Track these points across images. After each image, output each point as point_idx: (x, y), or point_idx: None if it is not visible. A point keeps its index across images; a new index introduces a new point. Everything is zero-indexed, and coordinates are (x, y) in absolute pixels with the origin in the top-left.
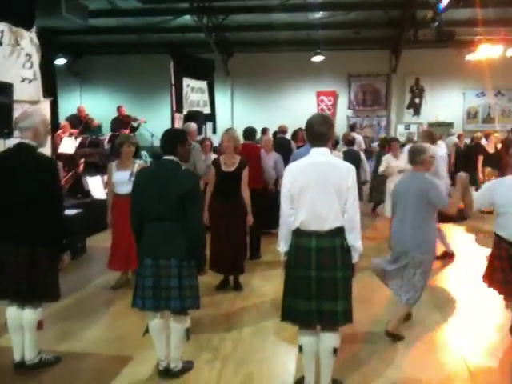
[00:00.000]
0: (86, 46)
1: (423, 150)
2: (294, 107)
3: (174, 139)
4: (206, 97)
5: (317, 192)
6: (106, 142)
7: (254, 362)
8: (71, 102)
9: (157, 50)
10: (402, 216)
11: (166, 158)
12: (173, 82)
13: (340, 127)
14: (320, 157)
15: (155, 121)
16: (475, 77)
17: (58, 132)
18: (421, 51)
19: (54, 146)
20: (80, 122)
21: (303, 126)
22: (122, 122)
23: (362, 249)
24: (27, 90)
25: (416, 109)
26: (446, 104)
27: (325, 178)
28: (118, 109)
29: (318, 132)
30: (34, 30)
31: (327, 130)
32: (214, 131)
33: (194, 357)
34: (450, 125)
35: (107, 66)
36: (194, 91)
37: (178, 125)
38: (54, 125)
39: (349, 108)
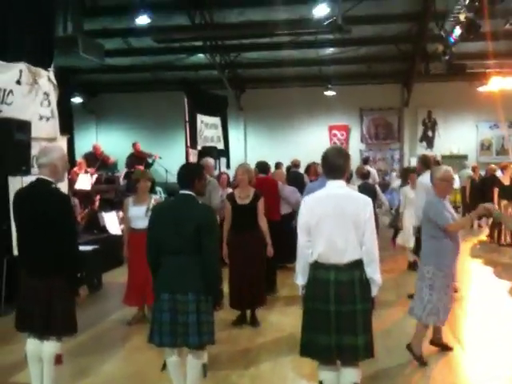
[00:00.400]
0: (102, 84)
1: (434, 172)
2: (307, 141)
3: (191, 173)
4: (219, 132)
5: (334, 224)
6: (121, 178)
7: None
8: (87, 140)
9: (171, 88)
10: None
11: (182, 192)
12: (187, 118)
13: (353, 161)
14: (336, 189)
15: (170, 157)
16: (488, 109)
17: (75, 169)
18: (432, 84)
19: (71, 183)
20: (96, 159)
21: (316, 159)
22: (137, 158)
23: (380, 282)
24: (45, 128)
25: (429, 141)
26: (460, 136)
27: (342, 210)
28: (134, 145)
29: (334, 164)
30: (51, 69)
31: (343, 163)
32: (228, 166)
33: None
34: (464, 157)
35: (122, 104)
36: (208, 127)
37: (193, 160)
38: (71, 162)
39: (361, 142)
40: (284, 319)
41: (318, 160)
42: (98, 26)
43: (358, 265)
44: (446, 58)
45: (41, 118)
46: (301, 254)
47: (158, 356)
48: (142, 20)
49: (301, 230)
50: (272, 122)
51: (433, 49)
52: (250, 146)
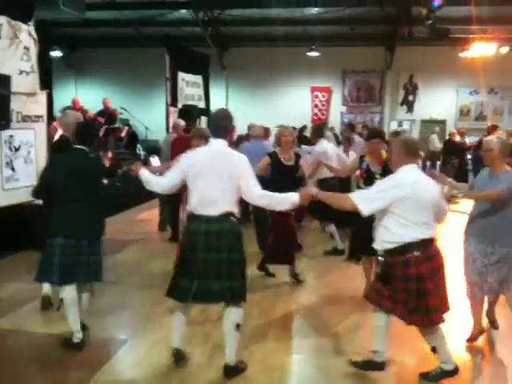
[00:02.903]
0: (82, 38)
1: None
2: (288, 102)
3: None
4: (200, 91)
5: (208, 178)
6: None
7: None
8: (66, 94)
9: (152, 44)
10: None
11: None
12: (168, 75)
13: (334, 123)
14: (217, 147)
15: (150, 114)
16: (469, 74)
17: (54, 123)
18: (415, 48)
19: (50, 137)
20: None
21: (297, 121)
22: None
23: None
24: (25, 83)
25: (409, 106)
26: (439, 101)
27: (217, 166)
28: (103, 101)
29: (219, 125)
30: (32, 23)
31: (228, 124)
32: (209, 125)
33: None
34: (443, 122)
35: (102, 59)
36: (190, 85)
37: (173, 118)
38: (50, 117)
39: (343, 104)
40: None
41: (301, 122)
42: None
43: (228, 217)
44: (430, 21)
45: (21, 72)
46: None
47: None
48: None
49: (173, 171)
50: (254, 82)
51: (417, 12)
52: (231, 106)
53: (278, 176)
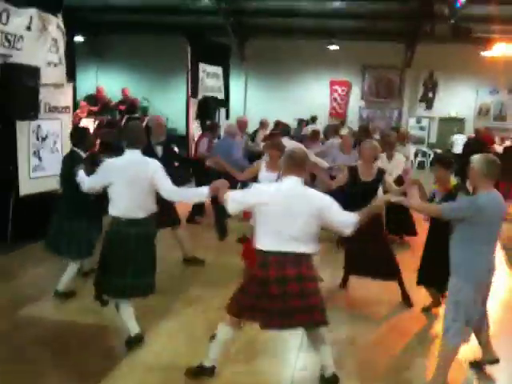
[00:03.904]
0: (104, 24)
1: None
2: (307, 95)
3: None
4: (220, 82)
5: (129, 190)
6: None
7: None
8: (87, 80)
9: (174, 32)
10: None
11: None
12: (189, 66)
13: (352, 118)
14: (133, 156)
15: (170, 104)
16: (489, 74)
17: (77, 111)
18: (436, 46)
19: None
20: (97, 103)
21: (315, 114)
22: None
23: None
24: (53, 74)
25: (428, 103)
26: (459, 100)
27: (136, 176)
28: (123, 90)
29: (137, 137)
30: (60, 15)
31: (142, 136)
32: (227, 117)
33: None
34: (461, 120)
35: (124, 46)
36: (210, 76)
37: (193, 109)
38: (74, 104)
39: (361, 98)
40: None
41: (319, 116)
42: None
43: (140, 222)
44: (452, 21)
45: (49, 64)
46: None
47: None
48: None
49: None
50: (273, 74)
51: (439, 10)
52: (249, 98)
53: (351, 193)
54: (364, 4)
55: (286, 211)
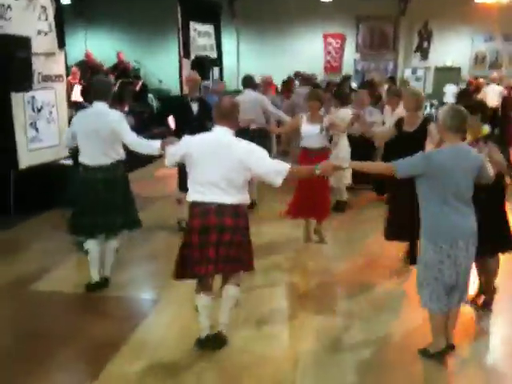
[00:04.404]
0: None
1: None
2: (301, 50)
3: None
4: (212, 41)
5: (88, 139)
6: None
7: None
8: (76, 45)
9: None
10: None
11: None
12: (180, 26)
13: (347, 71)
14: (95, 109)
15: (163, 65)
16: (484, 22)
17: (69, 78)
18: None
19: (68, 95)
20: (89, 68)
21: (311, 68)
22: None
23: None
24: (44, 43)
25: (424, 53)
26: (454, 48)
27: (96, 127)
28: (118, 54)
29: (100, 90)
30: None
31: (107, 89)
32: (221, 76)
33: None
34: (457, 69)
35: (112, 8)
36: (201, 35)
37: (186, 70)
38: (66, 71)
39: (356, 51)
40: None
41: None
42: None
43: (106, 168)
44: None
45: (39, 32)
46: None
47: None
48: None
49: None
50: (265, 30)
51: None
52: (242, 55)
53: (396, 145)
54: None
55: (210, 161)
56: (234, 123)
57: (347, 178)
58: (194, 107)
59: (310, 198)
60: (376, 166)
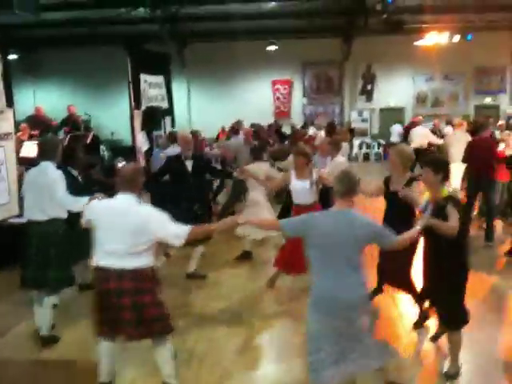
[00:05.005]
0: (38, 40)
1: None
2: (251, 97)
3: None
4: (163, 91)
5: (31, 195)
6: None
7: None
8: (25, 100)
9: (111, 43)
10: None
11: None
12: (130, 79)
13: (296, 114)
14: (42, 167)
15: (114, 117)
16: (424, 62)
17: (18, 134)
18: (372, 39)
19: (17, 151)
20: (38, 123)
21: (260, 115)
22: (73, 121)
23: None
24: None
25: (368, 95)
26: (397, 89)
27: (36, 184)
28: (69, 108)
29: (43, 150)
30: None
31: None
32: (173, 125)
33: None
34: (401, 109)
35: (60, 61)
36: (152, 86)
37: (138, 121)
38: (15, 127)
39: (304, 96)
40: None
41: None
42: None
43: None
44: (384, 15)
45: None
46: None
47: None
48: None
49: None
50: (215, 78)
51: (372, 3)
52: (193, 103)
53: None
54: (298, 4)
55: (109, 228)
56: (137, 188)
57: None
58: (189, 165)
59: (296, 252)
60: (268, 223)
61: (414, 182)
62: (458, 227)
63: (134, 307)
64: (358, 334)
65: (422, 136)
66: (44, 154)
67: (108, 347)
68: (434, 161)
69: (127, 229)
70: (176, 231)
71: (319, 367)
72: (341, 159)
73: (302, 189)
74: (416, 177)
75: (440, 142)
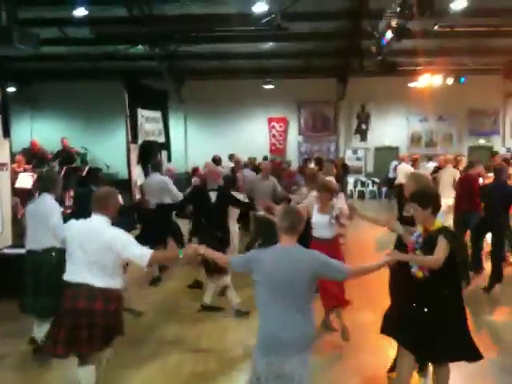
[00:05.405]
0: (36, 73)
1: None
2: (247, 133)
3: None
4: (160, 126)
5: (30, 225)
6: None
7: None
8: (22, 131)
9: (109, 78)
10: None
11: None
12: (127, 113)
13: (291, 152)
14: (41, 199)
15: (110, 150)
16: (418, 103)
17: (13, 165)
18: (366, 79)
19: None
20: (33, 156)
21: (257, 151)
22: (67, 153)
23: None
24: None
25: (363, 134)
26: (391, 129)
27: (34, 215)
28: (62, 141)
29: (42, 184)
30: None
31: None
32: (169, 159)
33: None
34: (395, 148)
35: (58, 94)
36: (149, 121)
37: (134, 154)
38: (11, 159)
39: (299, 134)
40: None
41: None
42: (33, 15)
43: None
44: (379, 57)
45: None
46: None
47: None
48: (79, 12)
49: None
50: (212, 114)
51: (367, 45)
52: (190, 139)
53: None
54: (295, 44)
55: (81, 246)
56: (110, 210)
57: None
58: (213, 197)
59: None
60: (221, 259)
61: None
62: (441, 259)
63: (90, 325)
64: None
65: (405, 172)
66: (44, 187)
67: (85, 371)
68: (419, 195)
69: (97, 247)
70: (141, 252)
71: None
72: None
73: (323, 223)
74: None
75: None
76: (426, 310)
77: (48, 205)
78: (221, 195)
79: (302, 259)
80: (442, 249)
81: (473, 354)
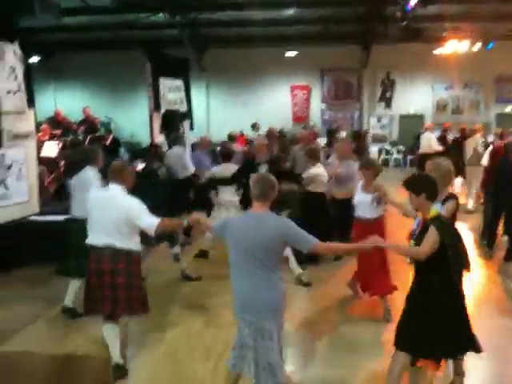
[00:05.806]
0: (59, 44)
1: None
2: (269, 101)
3: None
4: (182, 95)
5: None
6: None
7: None
8: (45, 101)
9: (130, 47)
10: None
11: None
12: (150, 82)
13: (315, 120)
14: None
15: (133, 119)
16: (443, 70)
17: (39, 135)
18: (391, 46)
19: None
20: (57, 125)
21: (279, 119)
22: (89, 123)
23: None
24: (13, 102)
25: (387, 102)
26: (416, 97)
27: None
28: (84, 110)
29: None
30: (16, 42)
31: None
32: (192, 128)
33: None
34: (421, 117)
35: (81, 64)
36: (171, 90)
37: (157, 124)
38: (36, 128)
39: (322, 101)
40: None
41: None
42: None
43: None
44: (403, 24)
45: (8, 91)
46: None
47: None
48: None
49: None
50: (234, 83)
51: (391, 12)
52: (212, 108)
53: None
54: (317, 10)
55: (101, 212)
56: (126, 181)
57: None
58: (262, 169)
59: (367, 272)
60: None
61: (450, 199)
62: (426, 252)
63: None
64: (264, 344)
65: (427, 141)
66: (86, 160)
67: (109, 329)
68: (412, 182)
69: (114, 213)
70: (150, 222)
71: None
72: (316, 170)
73: (366, 202)
74: (454, 195)
75: (439, 148)
76: (413, 295)
77: (90, 176)
78: (271, 167)
79: (271, 225)
80: (429, 239)
81: (465, 348)
